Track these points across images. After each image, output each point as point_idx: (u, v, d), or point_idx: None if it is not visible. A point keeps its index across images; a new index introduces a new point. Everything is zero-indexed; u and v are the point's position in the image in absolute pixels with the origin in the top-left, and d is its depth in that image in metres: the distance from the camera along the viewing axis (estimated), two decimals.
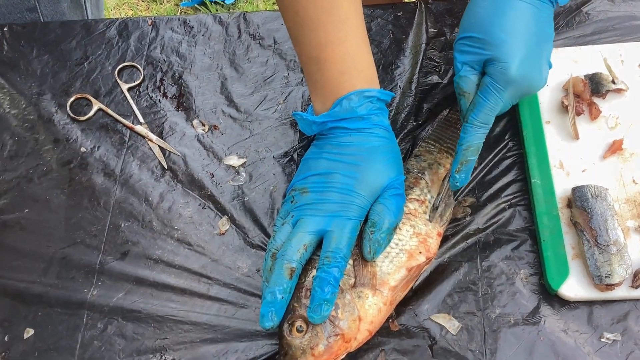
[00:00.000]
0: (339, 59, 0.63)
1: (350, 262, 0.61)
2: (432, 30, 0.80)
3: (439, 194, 0.66)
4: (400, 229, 0.63)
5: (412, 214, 0.64)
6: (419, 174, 0.67)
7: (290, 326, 0.58)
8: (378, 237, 0.60)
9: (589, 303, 0.62)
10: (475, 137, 0.63)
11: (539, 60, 0.63)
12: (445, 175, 0.68)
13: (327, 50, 0.63)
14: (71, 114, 0.77)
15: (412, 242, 0.63)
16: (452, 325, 0.62)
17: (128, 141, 0.75)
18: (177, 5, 2.08)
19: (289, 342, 0.58)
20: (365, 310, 0.59)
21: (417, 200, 0.65)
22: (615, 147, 0.67)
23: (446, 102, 0.75)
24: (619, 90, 0.70)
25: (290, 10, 0.64)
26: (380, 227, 0.60)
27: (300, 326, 0.58)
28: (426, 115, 0.74)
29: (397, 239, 0.63)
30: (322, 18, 0.62)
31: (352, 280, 0.60)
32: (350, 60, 0.64)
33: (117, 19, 0.85)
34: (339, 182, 0.61)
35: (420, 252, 0.62)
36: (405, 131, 0.74)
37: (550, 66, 0.65)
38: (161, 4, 2.10)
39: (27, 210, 0.72)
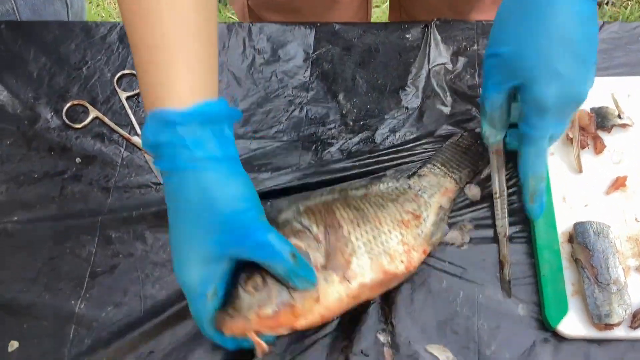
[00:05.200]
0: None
1: (323, 240, 0.59)
2: (437, 54, 0.79)
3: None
4: (390, 231, 0.62)
5: (404, 224, 0.63)
6: (419, 192, 0.66)
7: (247, 279, 0.55)
8: None
9: (587, 341, 0.61)
10: (534, 166, 0.59)
11: (581, 73, 0.55)
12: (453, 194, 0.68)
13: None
14: (67, 121, 0.75)
15: (397, 248, 0.62)
16: (446, 358, 0.61)
17: (124, 152, 0.74)
18: None
19: (240, 295, 0.55)
20: (327, 294, 0.57)
21: (413, 214, 0.64)
22: (618, 184, 0.67)
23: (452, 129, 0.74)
24: (624, 126, 0.70)
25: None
26: None
27: (257, 284, 0.55)
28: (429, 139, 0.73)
29: (384, 239, 0.61)
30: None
31: (323, 261, 0.59)
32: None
33: (119, 23, 0.83)
34: None
35: (401, 261, 0.61)
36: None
37: (595, 62, 0.57)
38: None
39: (15, 218, 0.70)
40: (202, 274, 0.52)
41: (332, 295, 0.57)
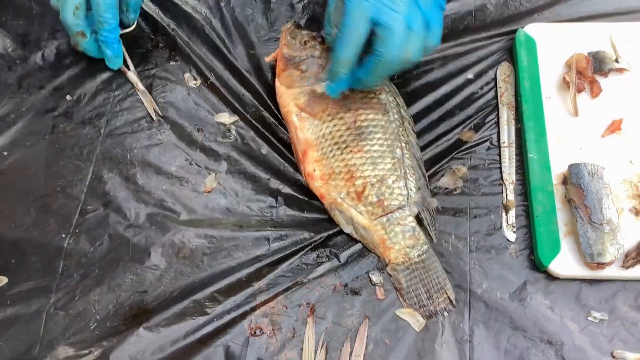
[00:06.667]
0: None
1: None
2: None
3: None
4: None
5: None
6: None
7: (312, 37, 0.68)
8: None
9: (578, 281, 0.61)
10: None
11: None
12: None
13: None
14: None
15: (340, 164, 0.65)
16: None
17: (116, 90, 0.73)
18: None
19: (297, 32, 0.69)
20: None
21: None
22: (614, 127, 0.66)
23: None
24: (621, 70, 0.69)
25: None
26: None
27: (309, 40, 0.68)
28: None
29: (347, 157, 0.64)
30: None
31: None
32: None
33: None
34: None
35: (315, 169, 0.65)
36: None
37: None
38: None
39: (5, 153, 0.69)
40: None
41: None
